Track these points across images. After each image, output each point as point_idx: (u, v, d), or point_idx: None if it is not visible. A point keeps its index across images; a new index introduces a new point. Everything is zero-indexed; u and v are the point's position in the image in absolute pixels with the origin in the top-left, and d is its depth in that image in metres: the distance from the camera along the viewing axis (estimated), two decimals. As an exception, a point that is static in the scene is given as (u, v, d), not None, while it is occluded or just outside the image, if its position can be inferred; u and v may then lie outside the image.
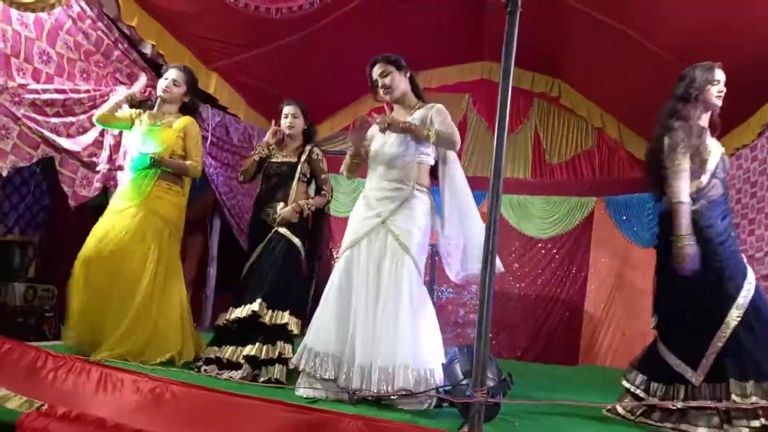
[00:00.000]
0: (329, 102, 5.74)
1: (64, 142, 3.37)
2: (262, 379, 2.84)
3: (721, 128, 3.08)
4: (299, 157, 3.31)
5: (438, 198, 2.80)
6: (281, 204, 3.22)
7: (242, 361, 2.90)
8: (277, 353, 2.92)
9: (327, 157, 5.92)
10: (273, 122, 3.45)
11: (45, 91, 3.23)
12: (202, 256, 5.54)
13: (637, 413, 2.52)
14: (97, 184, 3.60)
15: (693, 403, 2.34)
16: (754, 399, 2.23)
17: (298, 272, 3.27)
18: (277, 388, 2.66)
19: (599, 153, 5.64)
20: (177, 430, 1.82)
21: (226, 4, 3.57)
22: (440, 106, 2.77)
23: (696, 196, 2.48)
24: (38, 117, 3.20)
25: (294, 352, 2.81)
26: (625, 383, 2.62)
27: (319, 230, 3.65)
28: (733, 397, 2.26)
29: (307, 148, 3.35)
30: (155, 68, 4.09)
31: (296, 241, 3.20)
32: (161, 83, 3.24)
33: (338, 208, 5.77)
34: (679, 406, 2.37)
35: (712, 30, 3.44)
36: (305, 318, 3.04)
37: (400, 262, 2.51)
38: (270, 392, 2.52)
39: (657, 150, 2.56)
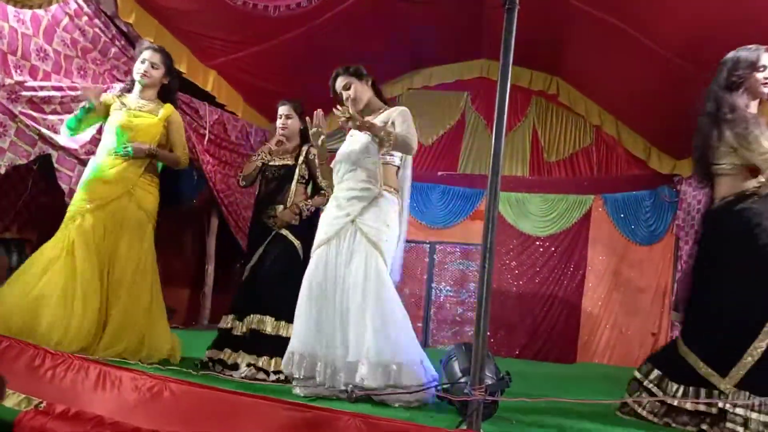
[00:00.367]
0: (327, 100, 5.72)
1: (62, 140, 3.36)
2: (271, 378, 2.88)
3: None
4: (296, 159, 3.29)
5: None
6: (280, 207, 3.20)
7: (243, 365, 2.93)
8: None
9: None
10: (277, 131, 3.37)
11: (42, 88, 3.22)
12: (199, 255, 5.54)
13: (661, 414, 2.40)
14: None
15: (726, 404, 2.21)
16: None
17: (301, 276, 3.23)
18: (276, 387, 2.66)
19: (597, 151, 5.64)
20: (176, 429, 1.82)
21: (224, 1, 3.56)
22: (404, 109, 2.81)
23: (754, 193, 2.29)
24: (35, 114, 3.20)
25: None
26: (636, 374, 2.52)
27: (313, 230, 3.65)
28: None
29: (304, 148, 3.31)
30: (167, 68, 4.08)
31: (296, 243, 3.18)
32: (138, 67, 3.02)
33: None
34: (700, 408, 2.27)
35: (712, 28, 3.44)
36: None
37: (368, 259, 2.55)
38: (269, 390, 2.52)
39: (705, 146, 2.38)
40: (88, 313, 2.78)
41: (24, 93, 3.12)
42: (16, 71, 3.08)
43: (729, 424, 2.20)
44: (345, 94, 2.82)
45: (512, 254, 5.60)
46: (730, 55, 2.41)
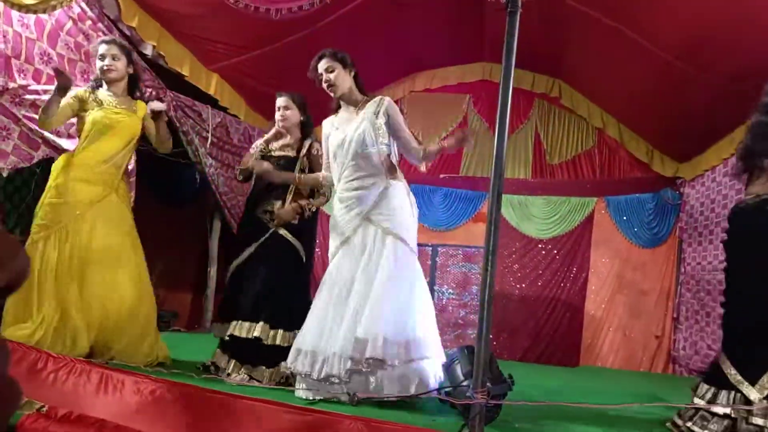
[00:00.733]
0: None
1: (65, 143, 3.37)
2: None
3: (723, 129, 3.09)
4: (298, 153, 3.11)
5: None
6: (278, 203, 3.02)
7: (238, 373, 2.84)
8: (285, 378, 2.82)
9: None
10: (275, 122, 3.23)
11: (46, 92, 3.23)
12: (202, 257, 5.54)
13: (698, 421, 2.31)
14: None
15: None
16: None
17: (303, 280, 3.11)
18: (278, 390, 2.65)
19: (600, 153, 5.64)
20: (177, 432, 1.82)
21: (226, 5, 3.57)
22: (389, 99, 2.79)
23: None
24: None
25: None
26: (696, 400, 2.39)
27: (312, 232, 3.46)
28: None
29: (306, 142, 3.15)
30: (156, 69, 4.09)
31: (298, 244, 3.02)
32: (99, 64, 2.96)
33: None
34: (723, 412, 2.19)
35: (713, 30, 3.44)
36: None
37: (385, 244, 2.62)
38: (271, 394, 2.52)
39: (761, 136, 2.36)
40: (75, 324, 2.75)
41: (27, 96, 3.14)
42: (19, 75, 3.10)
43: None
44: (325, 77, 2.80)
45: (515, 257, 5.59)
46: None
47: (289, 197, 3.02)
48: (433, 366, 2.54)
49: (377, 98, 2.80)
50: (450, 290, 5.69)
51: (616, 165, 5.60)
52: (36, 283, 2.73)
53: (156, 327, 3.10)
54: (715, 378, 2.33)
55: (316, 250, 5.76)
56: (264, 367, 2.83)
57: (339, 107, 2.88)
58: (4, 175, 3.12)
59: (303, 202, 3.04)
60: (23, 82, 3.11)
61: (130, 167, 3.85)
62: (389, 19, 4.67)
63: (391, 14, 4.61)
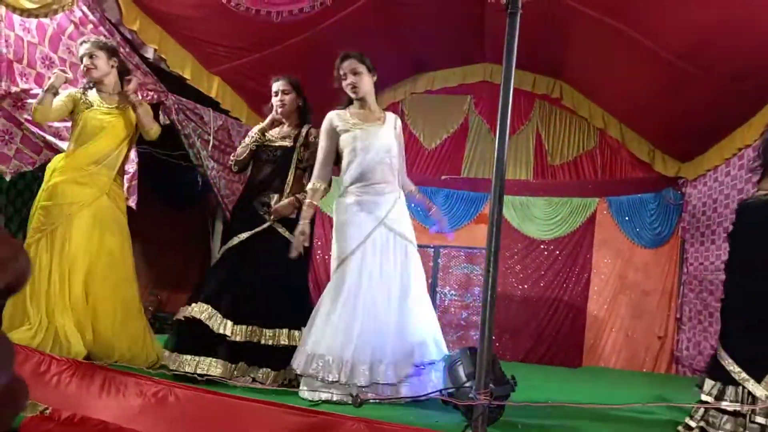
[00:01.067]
0: (331, 104, 5.74)
1: (67, 147, 3.38)
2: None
3: (724, 129, 3.08)
4: (295, 141, 2.99)
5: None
6: (276, 196, 2.89)
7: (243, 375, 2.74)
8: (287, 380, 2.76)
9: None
10: (270, 107, 3.08)
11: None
12: (204, 259, 5.55)
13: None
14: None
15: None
16: None
17: (304, 278, 3.05)
18: (281, 391, 2.65)
19: (601, 154, 5.63)
20: (180, 434, 1.82)
21: (227, 8, 3.58)
22: (397, 117, 2.97)
23: None
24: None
25: None
26: (703, 396, 2.38)
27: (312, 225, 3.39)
28: None
29: (304, 130, 3.02)
30: (157, 72, 4.10)
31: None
32: (82, 67, 2.95)
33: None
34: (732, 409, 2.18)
35: (715, 31, 3.44)
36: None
37: (407, 254, 2.74)
38: (274, 395, 2.52)
39: None
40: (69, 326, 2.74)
41: (30, 101, 3.14)
42: (21, 79, 3.11)
43: None
44: (351, 79, 2.81)
45: (517, 258, 5.59)
46: None
47: (287, 190, 2.92)
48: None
49: (391, 113, 2.95)
50: (452, 292, 5.69)
51: (617, 165, 5.59)
52: (29, 286, 2.73)
53: (149, 328, 3.10)
54: (720, 373, 2.32)
55: (317, 251, 5.77)
56: (269, 369, 2.76)
57: (349, 104, 2.90)
58: (7, 178, 3.13)
59: (300, 196, 2.91)
60: (25, 86, 3.12)
61: (132, 170, 3.86)
62: (390, 21, 4.68)
63: (392, 16, 4.62)
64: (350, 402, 2.39)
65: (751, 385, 2.19)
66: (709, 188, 4.82)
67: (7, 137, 3.11)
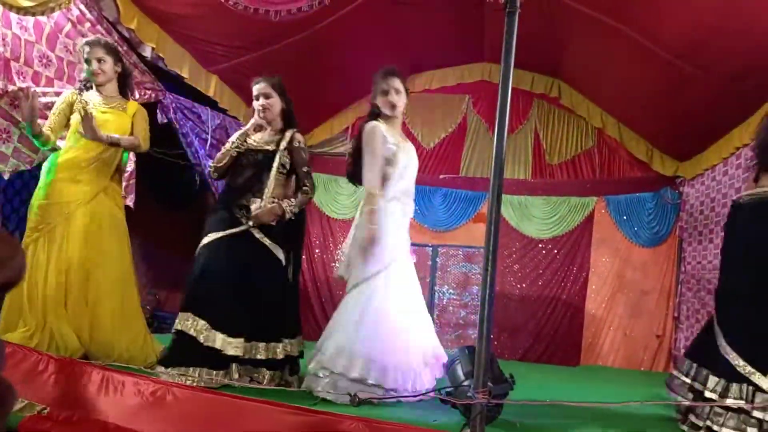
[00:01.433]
0: (329, 103, 5.75)
1: (63, 145, 3.37)
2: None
3: (723, 128, 3.09)
4: (278, 145, 2.85)
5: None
6: (257, 202, 2.75)
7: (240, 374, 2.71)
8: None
9: (327, 160, 5.99)
10: (251, 111, 2.96)
11: (45, 94, 3.23)
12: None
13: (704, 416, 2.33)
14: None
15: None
16: None
17: (288, 290, 2.93)
18: (279, 390, 2.65)
19: (599, 153, 5.63)
20: (179, 433, 1.82)
21: (225, 6, 3.57)
22: None
23: None
24: (38, 120, 3.20)
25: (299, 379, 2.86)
26: (684, 378, 2.46)
27: (300, 233, 3.22)
28: None
29: (288, 134, 2.89)
30: (155, 71, 4.09)
31: (274, 247, 2.81)
32: (86, 68, 2.94)
33: (339, 210, 5.78)
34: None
35: (714, 30, 3.44)
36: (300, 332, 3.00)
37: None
38: (272, 394, 2.52)
39: None
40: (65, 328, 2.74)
41: (28, 99, 3.13)
42: (18, 78, 3.10)
43: (751, 429, 2.17)
44: (395, 98, 2.87)
45: (515, 257, 5.59)
46: None
47: (268, 192, 2.77)
48: None
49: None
50: (450, 290, 5.69)
51: (615, 164, 5.59)
52: (26, 285, 2.72)
53: (146, 326, 3.10)
54: (724, 369, 2.33)
55: (315, 250, 5.77)
56: (265, 369, 2.75)
57: (376, 117, 2.92)
58: (5, 177, 3.12)
59: (285, 204, 2.80)
60: (22, 85, 3.11)
61: (129, 169, 3.85)
62: (388, 21, 4.67)
63: (390, 15, 4.62)
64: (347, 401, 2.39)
65: (758, 378, 2.20)
66: (707, 187, 4.83)
67: (5, 136, 3.10)
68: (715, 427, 2.28)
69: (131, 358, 2.85)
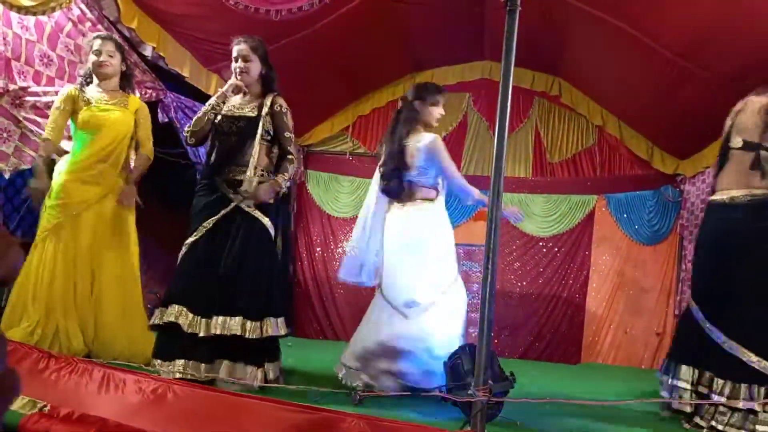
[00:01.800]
0: (330, 102, 5.74)
1: (66, 145, 3.37)
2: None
3: (723, 126, 3.10)
4: (260, 110, 2.70)
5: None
6: (247, 175, 2.58)
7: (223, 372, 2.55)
8: (265, 375, 2.60)
9: (327, 158, 5.98)
10: (232, 75, 2.77)
11: (46, 93, 3.24)
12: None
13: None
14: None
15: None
16: None
17: (276, 263, 2.83)
18: (279, 388, 2.66)
19: (600, 151, 5.63)
20: (179, 431, 1.82)
21: (226, 6, 3.57)
22: None
23: None
24: (39, 120, 3.21)
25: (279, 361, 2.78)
26: (685, 385, 2.48)
27: (285, 202, 3.06)
28: None
29: (269, 99, 2.73)
30: (156, 70, 4.10)
31: (266, 221, 2.67)
32: (95, 60, 2.95)
33: (339, 209, 5.78)
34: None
35: (715, 29, 3.44)
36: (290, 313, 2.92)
37: None
38: (272, 392, 2.53)
39: None
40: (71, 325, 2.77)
41: (28, 98, 3.14)
42: (19, 77, 3.11)
43: (760, 427, 2.20)
44: (439, 112, 3.10)
45: (515, 255, 5.59)
46: None
47: (253, 162, 2.60)
48: None
49: None
50: (451, 289, 5.68)
51: (616, 163, 5.59)
52: (32, 283, 2.74)
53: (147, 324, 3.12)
54: (733, 370, 2.35)
55: (316, 248, 5.77)
56: (254, 367, 2.58)
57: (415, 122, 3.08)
58: (6, 176, 3.13)
59: (279, 178, 2.69)
60: (23, 84, 3.12)
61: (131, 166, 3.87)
62: (388, 19, 4.67)
63: (390, 14, 4.61)
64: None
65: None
66: (707, 185, 4.82)
67: (5, 135, 3.11)
68: (719, 427, 2.29)
69: (132, 355, 2.86)
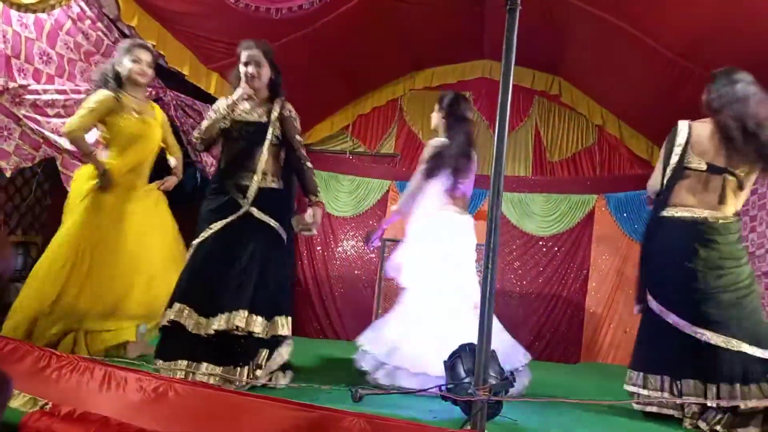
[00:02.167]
0: (330, 100, 5.75)
1: (66, 143, 3.37)
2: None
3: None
4: (269, 115, 2.72)
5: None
6: (317, 214, 2.72)
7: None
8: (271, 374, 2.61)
9: (327, 157, 5.98)
10: (241, 81, 2.74)
11: (46, 91, 3.24)
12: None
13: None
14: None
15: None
16: None
17: (288, 268, 2.91)
18: (279, 387, 2.66)
19: (600, 150, 5.64)
20: (181, 429, 1.82)
21: (226, 4, 3.57)
22: None
23: None
24: (39, 118, 3.21)
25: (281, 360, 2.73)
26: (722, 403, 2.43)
27: (292, 205, 3.02)
28: None
29: (277, 104, 2.74)
30: (155, 68, 4.09)
31: (276, 225, 2.69)
32: (134, 67, 2.96)
33: (340, 208, 5.78)
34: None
35: (715, 28, 3.44)
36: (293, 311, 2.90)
37: None
38: (273, 390, 2.53)
39: None
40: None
41: (28, 96, 3.14)
42: (19, 75, 3.10)
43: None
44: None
45: (515, 254, 5.59)
46: None
47: (260, 167, 2.64)
48: None
49: None
50: (451, 288, 5.69)
51: (616, 162, 5.60)
52: (60, 295, 2.84)
53: None
54: (737, 371, 2.37)
55: (316, 247, 5.77)
56: (249, 365, 2.56)
57: None
58: (7, 175, 3.13)
59: (320, 197, 2.85)
60: (23, 82, 3.11)
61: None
62: (388, 18, 4.67)
63: (391, 13, 4.62)
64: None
65: None
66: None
67: (6, 133, 3.11)
68: (719, 428, 2.30)
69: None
